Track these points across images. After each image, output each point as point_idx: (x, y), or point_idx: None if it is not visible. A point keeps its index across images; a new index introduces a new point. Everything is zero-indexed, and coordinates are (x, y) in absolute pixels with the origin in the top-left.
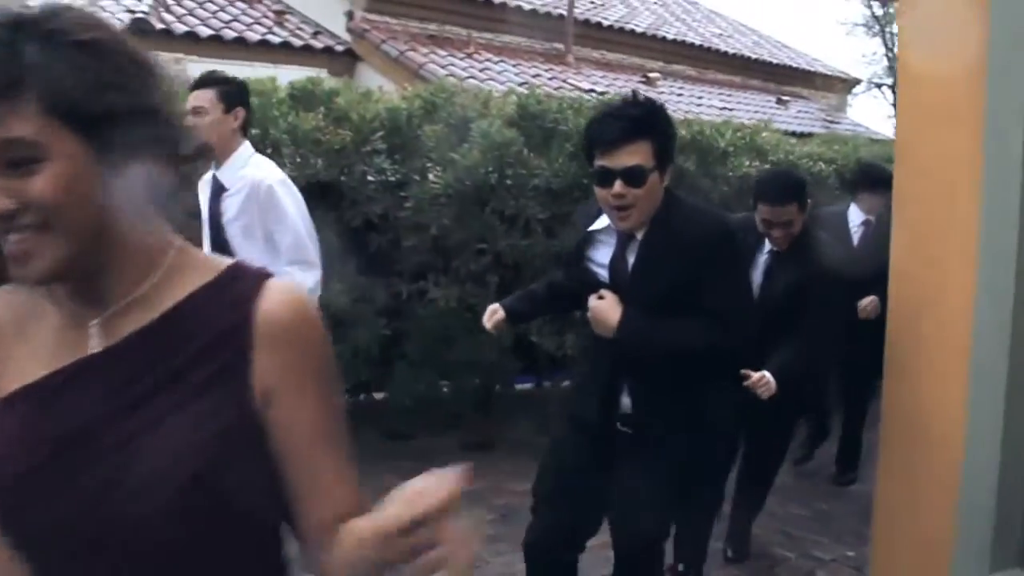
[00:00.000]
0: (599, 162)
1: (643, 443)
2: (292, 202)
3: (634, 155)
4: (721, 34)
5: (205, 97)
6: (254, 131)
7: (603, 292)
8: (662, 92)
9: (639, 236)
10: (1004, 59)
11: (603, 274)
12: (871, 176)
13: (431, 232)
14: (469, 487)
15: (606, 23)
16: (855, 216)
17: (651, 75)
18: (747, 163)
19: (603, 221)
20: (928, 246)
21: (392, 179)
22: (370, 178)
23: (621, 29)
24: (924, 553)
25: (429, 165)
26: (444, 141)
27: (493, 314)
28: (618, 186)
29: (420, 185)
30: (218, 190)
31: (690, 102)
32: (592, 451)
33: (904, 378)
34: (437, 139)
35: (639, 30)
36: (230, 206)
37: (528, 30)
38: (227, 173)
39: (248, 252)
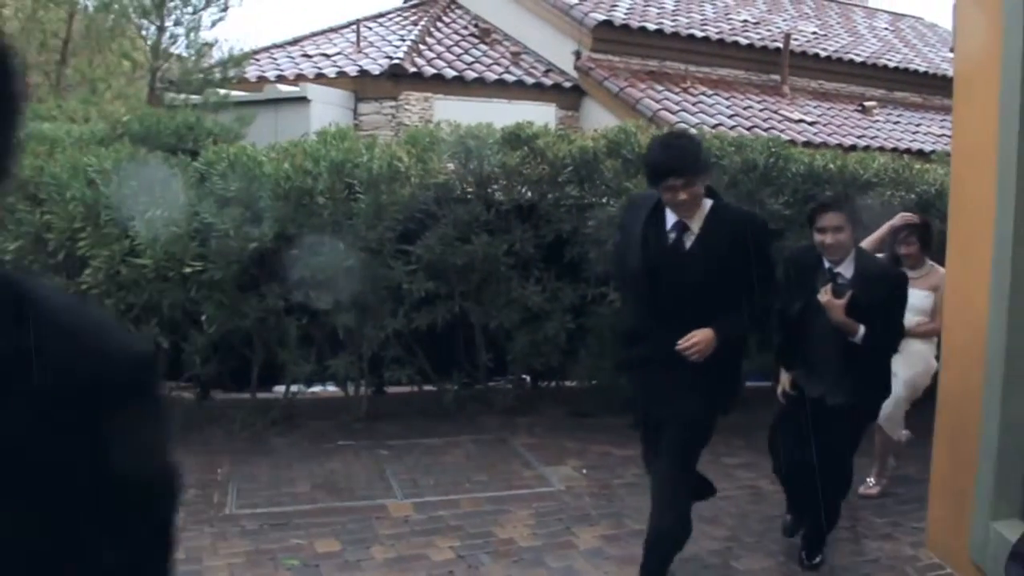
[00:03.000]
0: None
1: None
2: None
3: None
4: (952, 58)
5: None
6: (472, 165)
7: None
8: (877, 120)
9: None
10: None
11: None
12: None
13: (608, 246)
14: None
15: (824, 54)
16: None
17: (867, 104)
18: (889, 193)
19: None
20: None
21: (579, 203)
22: (561, 203)
23: (840, 59)
24: (958, 503)
25: (608, 192)
26: (620, 173)
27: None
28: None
29: (601, 208)
30: None
31: (906, 130)
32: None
33: (948, 369)
34: (615, 172)
35: (859, 59)
36: None
37: (745, 64)
38: None
39: None
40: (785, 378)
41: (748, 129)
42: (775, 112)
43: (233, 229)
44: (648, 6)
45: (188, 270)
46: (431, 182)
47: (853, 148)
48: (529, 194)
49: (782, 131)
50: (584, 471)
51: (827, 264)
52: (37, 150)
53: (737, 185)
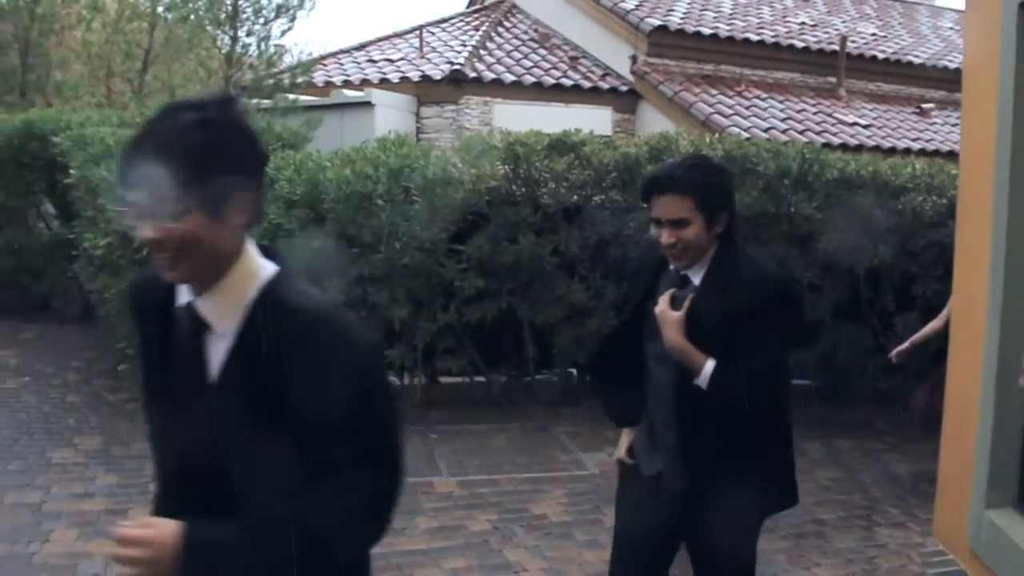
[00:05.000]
0: (651, 213)
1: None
2: None
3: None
4: None
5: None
6: (521, 170)
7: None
8: (935, 122)
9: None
10: None
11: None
12: None
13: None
14: None
15: (882, 56)
16: None
17: (925, 106)
18: (920, 199)
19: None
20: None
21: (621, 207)
22: (605, 206)
23: (898, 61)
24: (959, 493)
25: None
26: None
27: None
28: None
29: (642, 211)
30: None
31: None
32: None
33: (954, 367)
34: None
35: (918, 61)
36: None
37: (802, 67)
38: None
39: None
40: (623, 440)
41: (801, 132)
42: (829, 115)
43: (298, 229)
44: (705, 10)
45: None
46: (482, 187)
47: (907, 151)
48: (574, 197)
49: (835, 134)
50: None
51: (672, 266)
52: None
53: (771, 189)
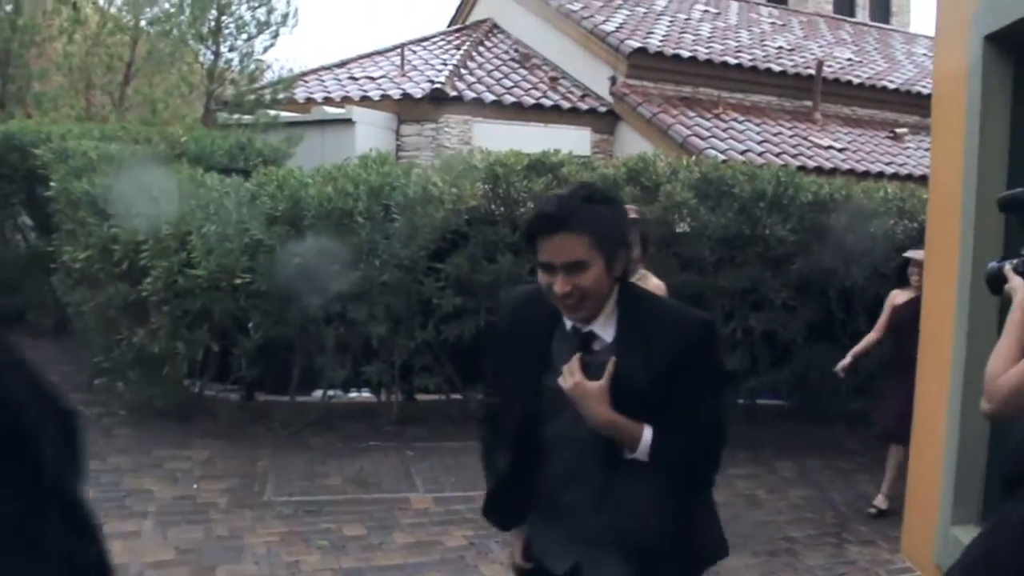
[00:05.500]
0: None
1: None
2: None
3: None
4: None
5: None
6: (500, 190)
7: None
8: (908, 147)
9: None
10: None
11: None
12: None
13: None
14: None
15: (857, 81)
16: None
17: (899, 131)
18: (892, 222)
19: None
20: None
21: None
22: None
23: (873, 87)
24: (927, 510)
25: None
26: (639, 199)
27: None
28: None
29: None
30: None
31: None
32: None
33: (923, 388)
34: (633, 198)
35: (892, 86)
36: None
37: (778, 90)
38: None
39: None
40: (516, 542)
41: (777, 155)
42: (805, 139)
43: (279, 245)
44: (684, 33)
45: (238, 281)
46: (462, 206)
47: (881, 175)
48: None
49: (811, 157)
50: None
51: (568, 323)
52: (106, 170)
53: (746, 212)
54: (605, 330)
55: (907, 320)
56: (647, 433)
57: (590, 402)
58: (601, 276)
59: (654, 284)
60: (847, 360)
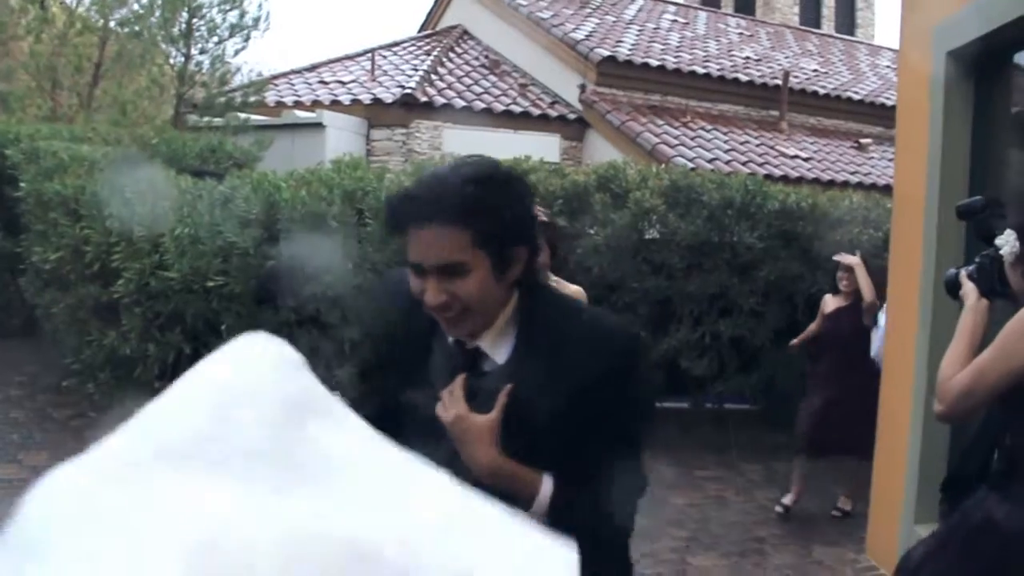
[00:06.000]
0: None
1: None
2: None
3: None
4: None
5: None
6: None
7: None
8: (872, 157)
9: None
10: None
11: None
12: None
13: (595, 273)
14: None
15: (823, 92)
16: None
17: (863, 141)
18: (857, 230)
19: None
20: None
21: (568, 233)
22: None
23: (838, 97)
24: (890, 510)
25: (595, 223)
26: (608, 206)
27: None
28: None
29: (589, 238)
30: None
31: None
32: None
33: (887, 390)
34: (603, 204)
35: (857, 97)
36: None
37: (745, 100)
38: None
39: None
40: None
41: (744, 164)
42: (772, 148)
43: (253, 248)
44: (653, 42)
45: (211, 284)
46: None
47: (846, 184)
48: None
49: (777, 166)
50: None
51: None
52: (77, 171)
53: (715, 219)
54: (496, 348)
55: (834, 331)
56: (546, 486)
57: (473, 442)
58: (486, 283)
59: (572, 291)
60: (795, 342)
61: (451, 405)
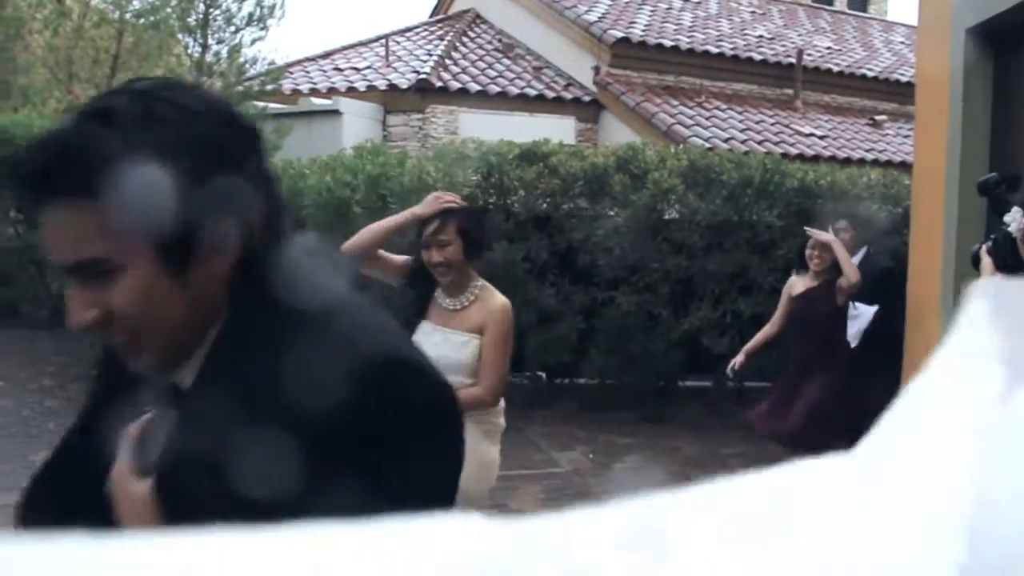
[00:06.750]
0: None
1: None
2: None
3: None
4: None
5: None
6: (493, 179)
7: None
8: (887, 134)
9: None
10: None
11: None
12: None
13: (615, 254)
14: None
15: (836, 69)
16: None
17: (878, 118)
18: (876, 207)
19: None
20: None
21: (589, 215)
22: (573, 214)
23: (852, 74)
24: None
25: (616, 204)
26: (628, 187)
27: None
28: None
29: (609, 219)
30: None
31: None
32: None
33: (909, 362)
34: (623, 185)
35: (871, 74)
36: None
37: (760, 79)
38: None
39: None
40: None
41: (759, 143)
42: (787, 126)
43: None
44: (666, 22)
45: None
46: (456, 195)
47: (862, 162)
48: (544, 205)
49: (792, 145)
50: (591, 456)
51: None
52: None
53: (734, 199)
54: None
55: (806, 314)
56: None
57: (128, 510)
58: (153, 288)
59: (499, 305)
60: (740, 358)
61: (119, 462)
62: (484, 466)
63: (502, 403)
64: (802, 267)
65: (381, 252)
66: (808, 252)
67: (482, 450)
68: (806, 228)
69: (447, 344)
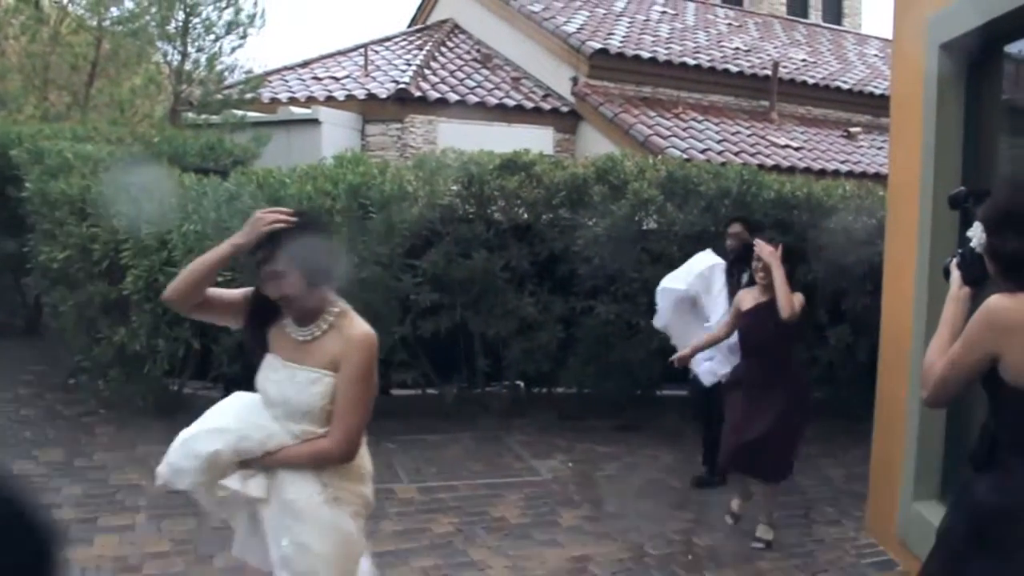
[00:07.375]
0: None
1: None
2: None
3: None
4: None
5: None
6: (473, 188)
7: None
8: (861, 145)
9: None
10: None
11: None
12: None
13: (595, 263)
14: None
15: (811, 81)
16: None
17: (852, 130)
18: (851, 218)
19: None
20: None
21: (570, 224)
22: (554, 223)
23: (827, 87)
24: (889, 489)
25: (595, 214)
26: (607, 197)
27: None
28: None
29: (588, 229)
30: None
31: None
32: None
33: (884, 375)
34: (602, 196)
35: (846, 87)
36: None
37: (736, 90)
38: None
39: None
40: None
41: (735, 154)
42: (762, 138)
43: None
44: (643, 34)
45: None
46: (437, 203)
47: (836, 173)
48: (525, 215)
49: (768, 156)
50: (570, 464)
51: None
52: (82, 170)
53: (712, 209)
54: None
55: (753, 331)
56: None
57: None
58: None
59: (358, 334)
60: (686, 351)
61: None
62: (343, 543)
63: (363, 447)
64: (752, 280)
65: (210, 292)
66: (754, 265)
67: (338, 524)
68: (755, 240)
69: (291, 384)
